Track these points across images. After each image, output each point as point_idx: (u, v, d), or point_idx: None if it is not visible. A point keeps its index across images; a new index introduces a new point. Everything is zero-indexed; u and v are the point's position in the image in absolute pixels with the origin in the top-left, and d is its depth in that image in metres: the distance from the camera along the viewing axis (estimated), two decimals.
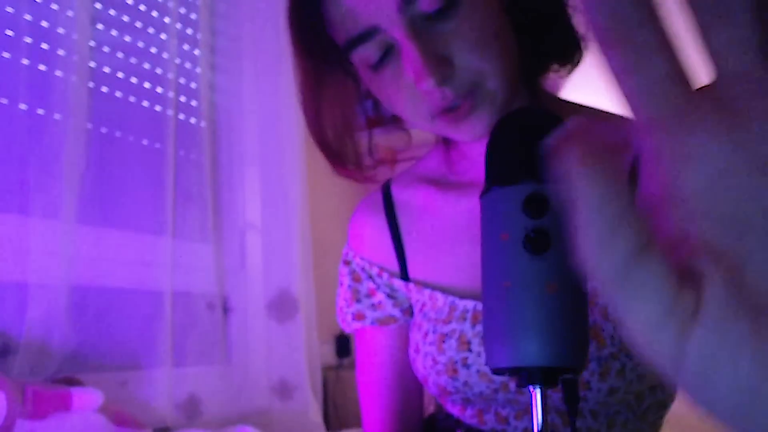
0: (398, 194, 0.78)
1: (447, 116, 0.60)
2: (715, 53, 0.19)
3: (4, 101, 1.14)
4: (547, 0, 0.65)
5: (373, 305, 0.77)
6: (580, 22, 0.67)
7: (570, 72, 0.70)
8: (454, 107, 0.59)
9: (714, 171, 0.19)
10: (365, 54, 0.61)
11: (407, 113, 0.63)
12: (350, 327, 0.79)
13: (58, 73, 1.19)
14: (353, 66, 0.64)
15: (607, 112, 0.71)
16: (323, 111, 0.69)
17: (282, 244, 1.63)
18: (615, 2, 0.19)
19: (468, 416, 0.70)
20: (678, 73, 0.19)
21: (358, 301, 0.78)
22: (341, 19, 0.61)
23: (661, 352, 0.19)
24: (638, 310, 0.19)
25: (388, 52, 0.60)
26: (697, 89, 0.20)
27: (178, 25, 1.46)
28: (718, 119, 0.19)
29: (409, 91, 0.60)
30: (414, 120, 0.64)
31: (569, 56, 0.68)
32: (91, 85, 1.28)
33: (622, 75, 0.19)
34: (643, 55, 0.19)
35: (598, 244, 0.19)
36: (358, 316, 0.78)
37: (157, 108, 1.41)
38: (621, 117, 0.69)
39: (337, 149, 0.71)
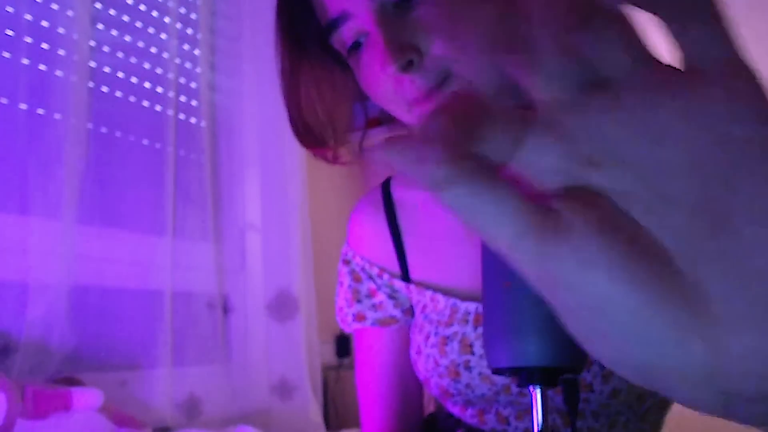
0: (398, 193, 0.78)
1: (422, 107, 0.59)
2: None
3: (4, 101, 1.14)
4: None
5: (373, 306, 0.77)
6: None
7: None
8: (428, 99, 0.58)
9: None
10: (340, 40, 0.61)
11: (385, 102, 0.62)
12: (350, 327, 0.79)
13: (58, 73, 1.19)
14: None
15: None
16: (300, 92, 0.69)
17: (282, 244, 1.63)
18: None
19: (468, 416, 0.70)
20: None
21: (359, 301, 0.77)
22: (319, 5, 0.61)
23: (524, 266, 0.20)
24: (494, 233, 0.19)
25: (362, 39, 0.60)
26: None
27: (178, 25, 1.46)
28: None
29: (384, 80, 0.60)
30: (393, 111, 0.63)
31: None
32: (91, 84, 1.28)
33: None
34: None
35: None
36: (359, 317, 0.77)
37: (157, 108, 1.41)
38: None
39: (317, 134, 0.70)
